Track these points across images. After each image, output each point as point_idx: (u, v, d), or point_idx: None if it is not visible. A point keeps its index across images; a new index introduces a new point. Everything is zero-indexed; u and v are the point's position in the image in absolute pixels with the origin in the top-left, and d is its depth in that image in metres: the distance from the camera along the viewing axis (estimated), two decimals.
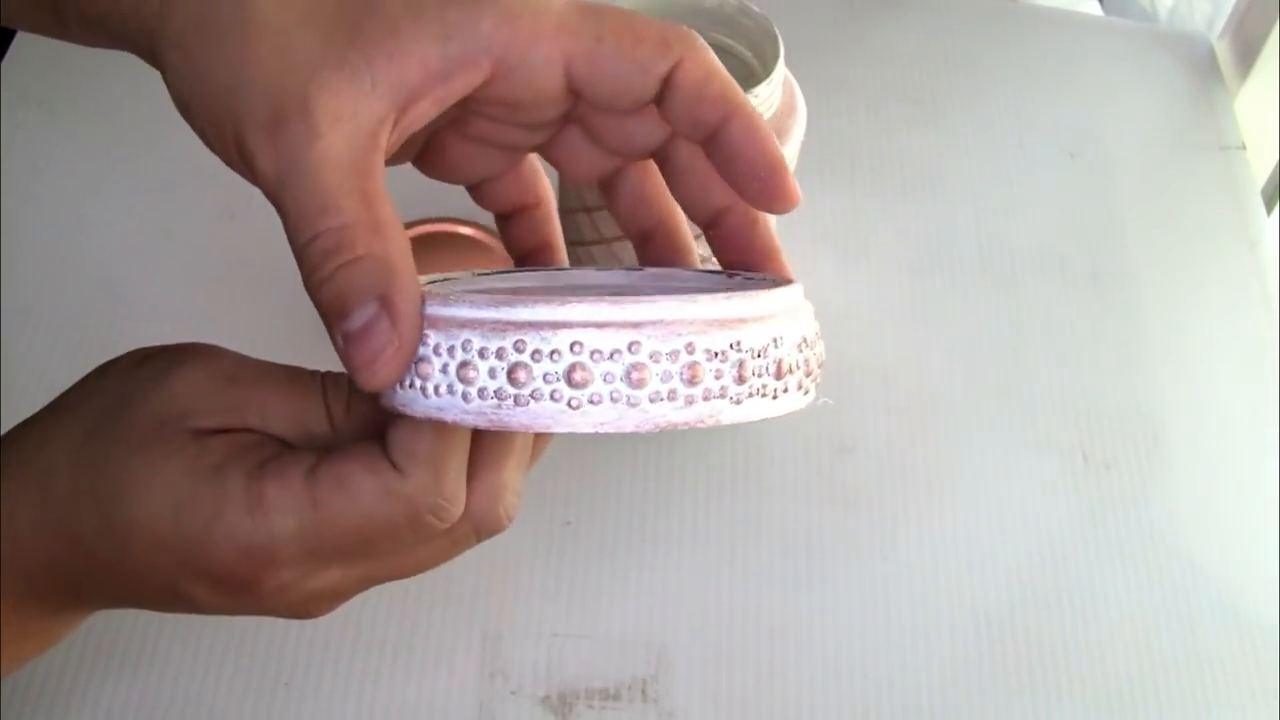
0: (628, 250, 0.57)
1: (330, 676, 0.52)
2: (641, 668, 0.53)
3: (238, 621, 0.51)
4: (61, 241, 0.66)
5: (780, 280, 0.33)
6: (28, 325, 0.62)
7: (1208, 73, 0.81)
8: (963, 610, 0.56)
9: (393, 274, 0.28)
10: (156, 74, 0.32)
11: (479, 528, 0.33)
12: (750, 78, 0.58)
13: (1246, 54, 0.79)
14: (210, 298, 0.64)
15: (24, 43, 0.73)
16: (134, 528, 0.31)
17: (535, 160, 0.37)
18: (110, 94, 0.72)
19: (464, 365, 0.27)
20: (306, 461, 0.31)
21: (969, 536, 0.58)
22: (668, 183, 0.35)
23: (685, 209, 0.36)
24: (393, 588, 0.36)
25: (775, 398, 0.29)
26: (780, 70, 0.55)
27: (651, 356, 0.26)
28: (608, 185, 0.36)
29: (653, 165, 0.36)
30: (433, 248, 0.61)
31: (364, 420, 0.32)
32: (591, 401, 0.27)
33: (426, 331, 0.28)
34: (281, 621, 0.39)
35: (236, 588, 0.32)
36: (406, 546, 0.32)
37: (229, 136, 0.30)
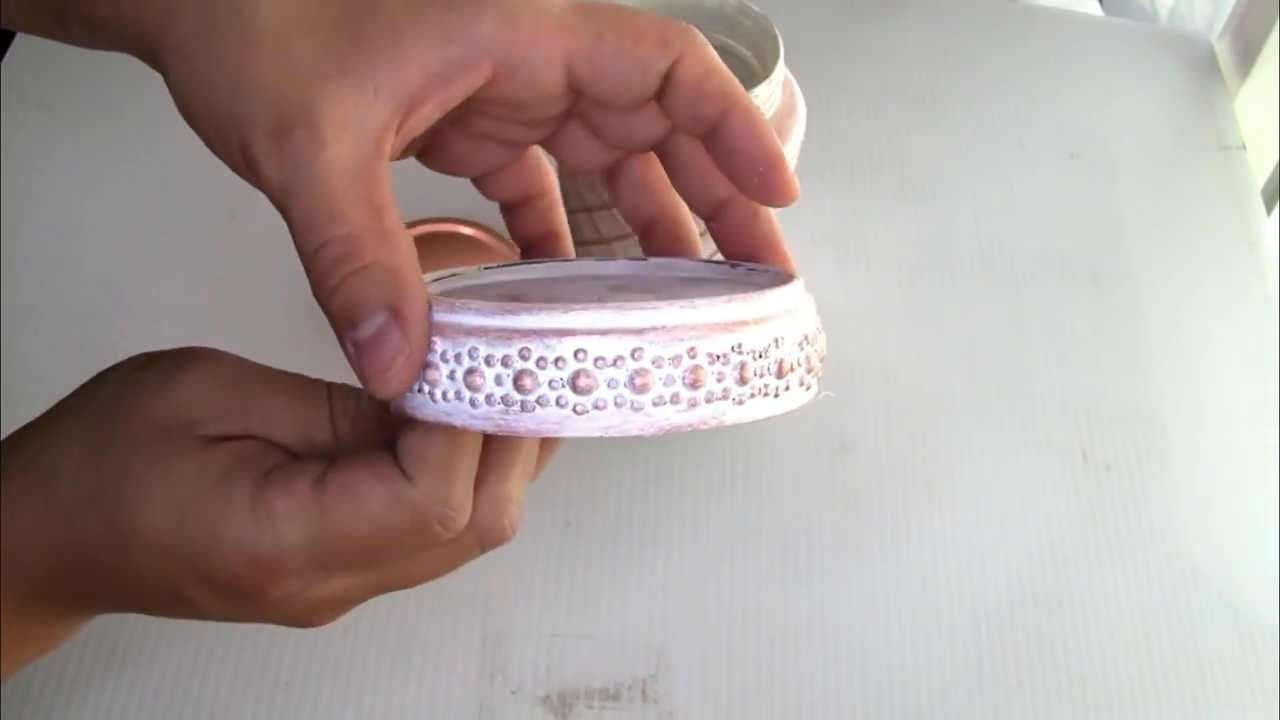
0: (628, 249, 0.57)
1: (330, 678, 0.52)
2: (641, 668, 0.53)
3: (238, 624, 0.51)
4: (61, 241, 0.66)
5: (782, 274, 0.33)
6: (28, 325, 0.62)
7: (1208, 73, 0.81)
8: (963, 610, 0.56)
9: (401, 283, 0.29)
10: (156, 74, 0.32)
11: (483, 538, 0.33)
12: (750, 78, 0.58)
13: (1246, 54, 0.79)
14: (210, 298, 0.64)
15: (24, 43, 0.73)
16: (138, 533, 0.31)
17: (539, 151, 0.37)
18: (110, 94, 0.72)
19: (470, 372, 0.28)
20: (313, 471, 0.31)
21: (969, 536, 0.58)
22: (669, 175, 0.35)
23: (687, 200, 0.36)
24: None
25: (777, 396, 0.29)
26: (780, 70, 0.55)
27: (654, 362, 0.27)
28: (610, 175, 0.36)
29: (654, 156, 0.36)
30: (433, 248, 0.61)
31: (366, 430, 0.32)
32: (597, 407, 0.27)
33: (433, 339, 0.28)
34: None
35: (241, 596, 0.32)
36: (411, 556, 0.32)
37: (234, 144, 0.30)
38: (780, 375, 0.29)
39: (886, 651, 0.54)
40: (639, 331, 0.27)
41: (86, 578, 0.32)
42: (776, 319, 0.29)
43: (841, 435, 0.61)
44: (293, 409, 0.32)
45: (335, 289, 0.29)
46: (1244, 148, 0.76)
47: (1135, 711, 0.53)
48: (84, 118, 0.71)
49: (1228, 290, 0.69)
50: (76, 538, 0.32)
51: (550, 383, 0.27)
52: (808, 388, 0.30)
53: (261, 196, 0.31)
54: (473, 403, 0.28)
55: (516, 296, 0.33)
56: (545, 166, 0.37)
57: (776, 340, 0.28)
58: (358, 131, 0.29)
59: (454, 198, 0.57)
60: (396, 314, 0.28)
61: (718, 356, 0.27)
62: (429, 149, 0.35)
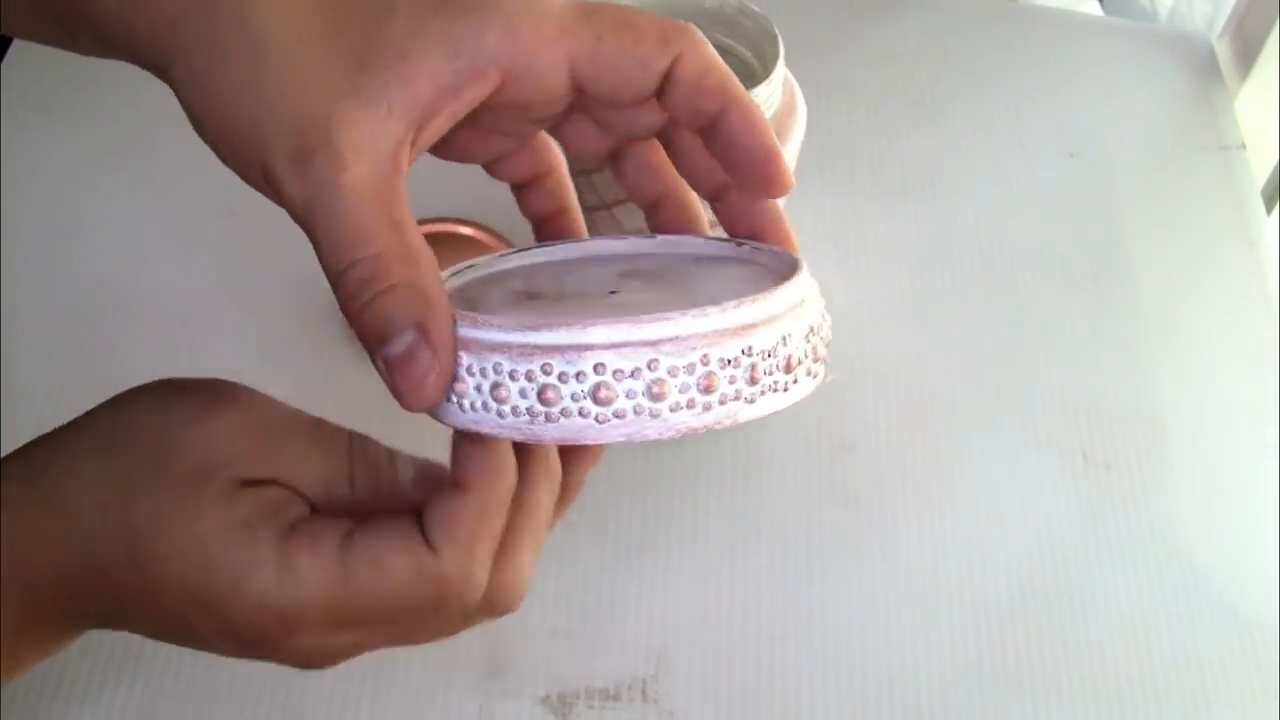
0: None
1: (331, 675, 0.52)
2: (641, 668, 0.53)
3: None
4: (61, 241, 0.66)
5: (785, 254, 0.34)
6: (28, 325, 0.62)
7: (1208, 73, 0.81)
8: (963, 610, 0.56)
9: (428, 301, 0.30)
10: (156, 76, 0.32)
11: (494, 608, 0.34)
12: (750, 78, 0.58)
13: (1246, 54, 0.79)
14: (210, 297, 0.64)
15: (24, 45, 0.73)
16: (159, 572, 0.31)
17: (544, 132, 0.38)
18: (110, 95, 0.72)
19: (496, 386, 0.29)
20: (339, 531, 0.31)
21: (969, 536, 0.58)
22: (672, 160, 0.36)
23: (690, 183, 0.37)
24: None
25: (787, 390, 0.30)
26: (780, 70, 0.55)
27: (669, 371, 0.28)
28: (614, 157, 0.37)
29: (656, 140, 0.36)
30: (433, 248, 0.61)
31: (380, 484, 0.33)
32: (617, 415, 0.28)
33: (459, 353, 0.30)
34: None
35: (256, 643, 0.32)
36: (425, 620, 0.33)
37: (252, 163, 0.30)
38: (789, 370, 0.30)
39: (886, 651, 0.54)
40: (654, 343, 0.28)
41: (97, 599, 0.33)
42: (783, 317, 0.30)
43: (841, 435, 0.61)
44: (315, 457, 0.33)
45: (364, 308, 0.30)
46: (1244, 148, 0.76)
47: (1135, 711, 0.53)
48: (84, 119, 0.71)
49: (1228, 290, 0.69)
50: (94, 562, 0.32)
51: (572, 395, 0.28)
52: (814, 376, 0.31)
53: (261, 197, 0.31)
54: (499, 414, 0.29)
55: (533, 291, 0.34)
56: (551, 145, 0.38)
57: (784, 338, 0.30)
58: (374, 150, 0.30)
59: (454, 198, 0.58)
60: (424, 332, 0.30)
61: (729, 360, 0.28)
62: (438, 142, 0.36)
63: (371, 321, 0.30)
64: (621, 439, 0.29)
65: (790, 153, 0.58)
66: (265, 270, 0.64)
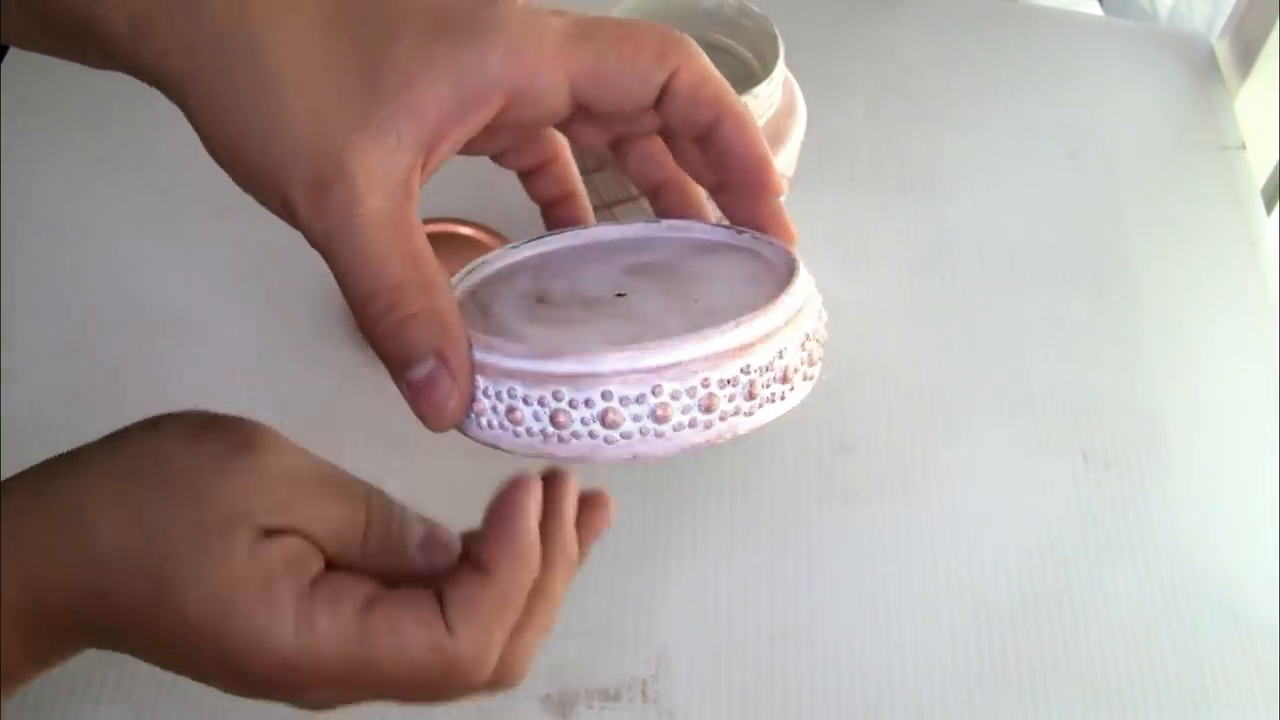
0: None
1: None
2: (641, 668, 0.53)
3: None
4: (61, 243, 0.66)
5: (784, 249, 0.35)
6: (28, 326, 0.62)
7: (1208, 73, 0.81)
8: (963, 610, 0.56)
9: (446, 329, 0.32)
10: None
11: (499, 684, 0.35)
12: (750, 78, 0.58)
13: (1246, 54, 0.79)
14: (210, 297, 0.64)
15: None
16: (178, 616, 0.32)
17: None
18: (109, 97, 0.72)
19: (511, 410, 0.31)
20: (359, 595, 0.33)
21: (969, 536, 0.58)
22: (672, 154, 0.37)
23: (690, 176, 0.37)
24: None
25: (784, 398, 0.32)
26: (780, 70, 0.55)
27: (672, 395, 0.30)
28: (615, 148, 0.38)
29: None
30: (433, 247, 0.61)
31: (391, 545, 0.34)
32: (624, 436, 0.30)
33: (476, 376, 0.32)
34: None
35: (266, 690, 0.33)
36: (429, 689, 0.34)
37: (271, 193, 0.32)
38: (785, 380, 0.31)
39: (886, 651, 0.54)
40: (657, 370, 0.30)
41: (105, 622, 0.33)
42: (780, 331, 0.31)
43: (841, 435, 0.61)
44: (335, 509, 0.34)
45: (385, 336, 0.32)
46: (1244, 148, 0.76)
47: (1135, 711, 0.53)
48: (84, 121, 0.71)
49: (1228, 290, 0.69)
50: (107, 588, 0.32)
51: (582, 419, 0.30)
52: (810, 379, 0.33)
53: None
54: (515, 433, 0.31)
55: (541, 293, 0.35)
56: (554, 133, 0.38)
57: (781, 352, 0.31)
58: (387, 180, 0.31)
59: (454, 198, 0.57)
60: (443, 359, 0.31)
61: (728, 381, 0.30)
62: None
63: (394, 348, 0.32)
64: (628, 457, 0.31)
65: (790, 152, 0.58)
66: (265, 270, 0.64)
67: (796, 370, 0.32)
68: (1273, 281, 0.70)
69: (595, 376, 0.30)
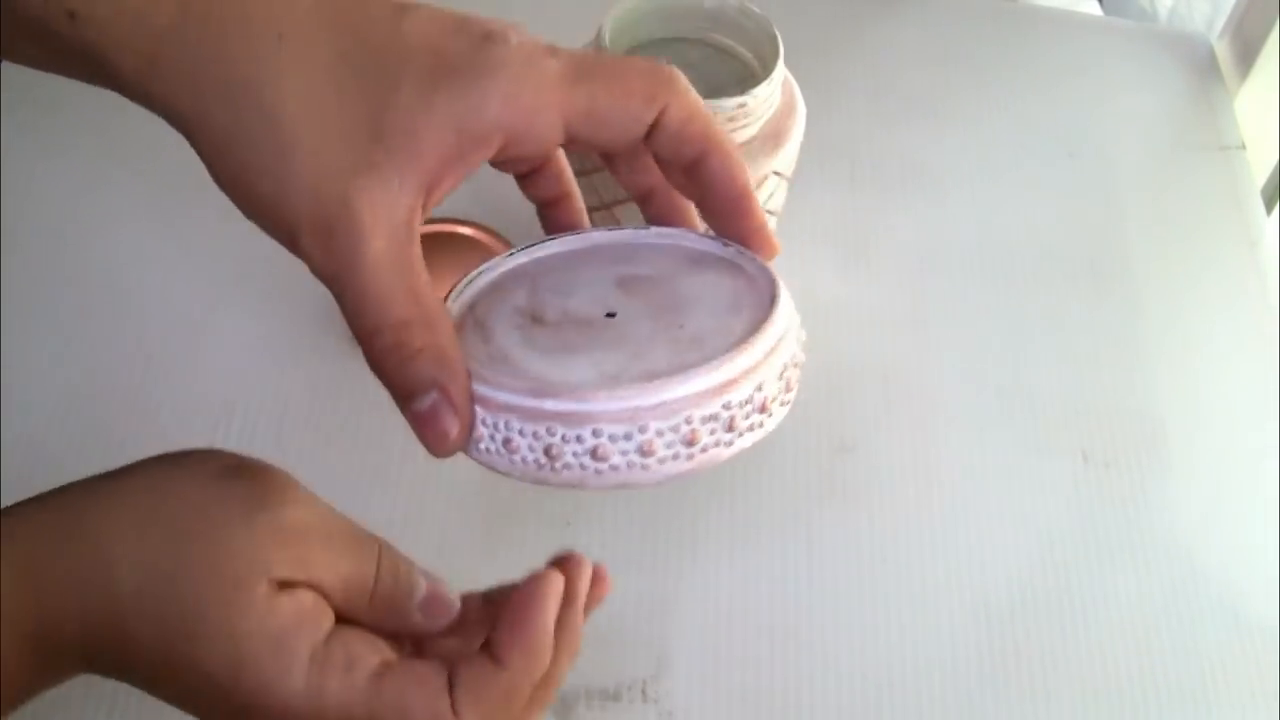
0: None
1: None
2: (641, 668, 0.53)
3: None
4: (61, 242, 0.66)
5: (766, 270, 0.36)
6: (28, 326, 0.62)
7: (1208, 73, 0.81)
8: (963, 610, 0.56)
9: (448, 365, 0.33)
10: None
11: None
12: (750, 78, 0.58)
13: (1246, 54, 0.79)
14: (211, 298, 0.64)
15: None
16: (189, 662, 0.33)
17: None
18: (110, 96, 0.71)
19: (507, 441, 0.33)
20: (371, 664, 0.34)
21: (969, 536, 0.58)
22: (661, 171, 0.38)
23: (678, 191, 0.39)
24: None
25: (761, 426, 0.34)
26: (780, 70, 0.55)
27: (657, 433, 0.32)
28: (606, 157, 0.39)
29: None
30: (433, 248, 0.61)
31: (395, 603, 0.36)
32: (613, 468, 0.33)
33: (476, 407, 0.34)
34: None
35: None
36: None
37: (279, 231, 0.33)
38: (763, 410, 0.33)
39: (886, 651, 0.54)
40: (644, 410, 0.32)
41: (111, 653, 0.34)
42: (760, 366, 0.33)
43: (841, 435, 0.61)
44: (346, 564, 0.35)
45: (392, 370, 0.33)
46: (1244, 148, 0.76)
47: (1135, 711, 0.53)
48: (84, 119, 0.71)
49: (1228, 290, 0.69)
50: (118, 622, 0.33)
51: (574, 453, 0.33)
52: (787, 404, 0.35)
53: None
54: (511, 461, 0.33)
55: (536, 312, 0.37)
56: None
57: (760, 385, 0.33)
58: (390, 222, 0.32)
59: (453, 198, 0.57)
60: (445, 393, 0.33)
61: (710, 417, 0.32)
62: None
63: (399, 381, 0.33)
64: (616, 487, 0.33)
65: (790, 152, 0.58)
66: (266, 270, 0.64)
67: (774, 399, 0.34)
68: (1273, 281, 0.70)
69: (586, 415, 0.32)
